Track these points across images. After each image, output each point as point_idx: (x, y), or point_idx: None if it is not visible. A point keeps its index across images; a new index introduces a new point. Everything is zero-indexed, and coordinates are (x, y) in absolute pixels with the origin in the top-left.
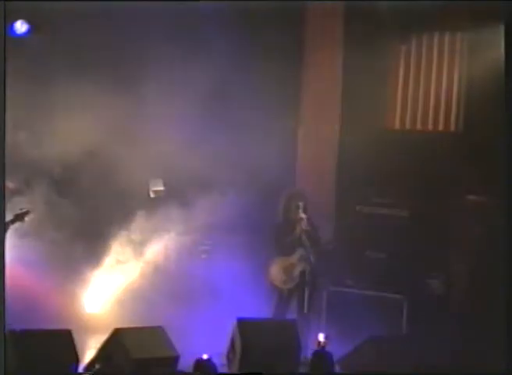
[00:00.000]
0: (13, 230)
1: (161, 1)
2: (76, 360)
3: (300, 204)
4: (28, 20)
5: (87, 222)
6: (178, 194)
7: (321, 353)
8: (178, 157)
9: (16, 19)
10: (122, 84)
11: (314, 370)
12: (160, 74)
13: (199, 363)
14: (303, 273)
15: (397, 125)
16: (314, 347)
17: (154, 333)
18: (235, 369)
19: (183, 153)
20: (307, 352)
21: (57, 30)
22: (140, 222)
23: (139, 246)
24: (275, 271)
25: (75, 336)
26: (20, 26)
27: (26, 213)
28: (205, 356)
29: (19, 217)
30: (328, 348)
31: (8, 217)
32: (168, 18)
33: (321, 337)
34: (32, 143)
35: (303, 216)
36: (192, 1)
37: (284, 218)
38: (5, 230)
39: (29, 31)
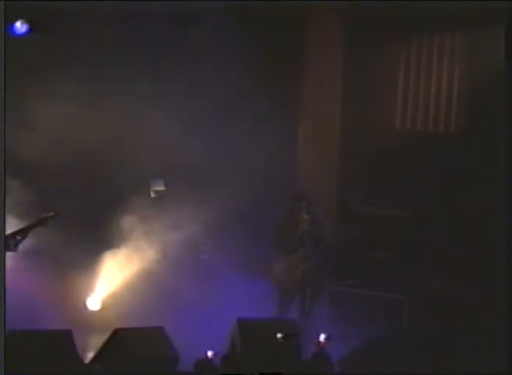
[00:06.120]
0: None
1: (162, 2)
2: (76, 360)
3: (304, 204)
4: (28, 20)
5: (86, 222)
6: (179, 194)
7: (320, 355)
8: (179, 157)
9: (16, 19)
10: (122, 84)
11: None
12: (160, 74)
13: (199, 363)
14: (304, 273)
15: (398, 125)
16: (314, 348)
17: (154, 334)
18: (235, 369)
19: (183, 153)
20: (308, 352)
21: (57, 30)
22: (140, 222)
23: (139, 246)
24: (278, 271)
25: (75, 336)
26: (20, 26)
27: (52, 217)
28: (210, 353)
29: (42, 221)
30: (328, 348)
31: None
32: (169, 18)
33: (321, 337)
34: (32, 141)
35: (306, 216)
36: (193, 1)
37: (287, 218)
38: (21, 234)
39: (29, 31)
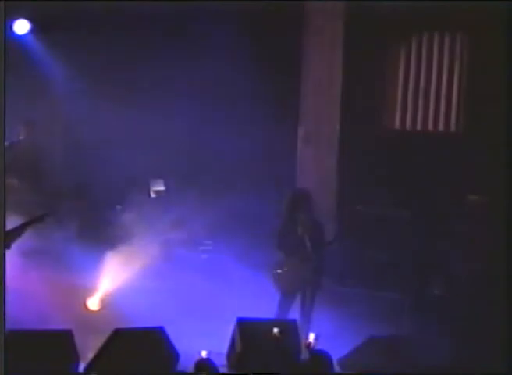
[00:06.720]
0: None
1: (163, 2)
2: (76, 360)
3: (303, 204)
4: (29, 20)
5: (86, 221)
6: (179, 194)
7: (318, 354)
8: (178, 157)
9: (16, 19)
10: (123, 83)
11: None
12: (160, 73)
13: (199, 363)
14: (304, 273)
15: (397, 125)
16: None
17: (154, 334)
18: (235, 369)
19: (183, 153)
20: (307, 352)
21: (57, 30)
22: (140, 222)
23: (139, 246)
24: (278, 271)
25: (75, 336)
26: (20, 26)
27: (46, 216)
28: (204, 353)
29: (36, 219)
30: (328, 348)
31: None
32: (169, 18)
33: (311, 337)
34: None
35: (305, 216)
36: (194, 1)
37: (287, 218)
38: (19, 233)
39: (29, 31)
